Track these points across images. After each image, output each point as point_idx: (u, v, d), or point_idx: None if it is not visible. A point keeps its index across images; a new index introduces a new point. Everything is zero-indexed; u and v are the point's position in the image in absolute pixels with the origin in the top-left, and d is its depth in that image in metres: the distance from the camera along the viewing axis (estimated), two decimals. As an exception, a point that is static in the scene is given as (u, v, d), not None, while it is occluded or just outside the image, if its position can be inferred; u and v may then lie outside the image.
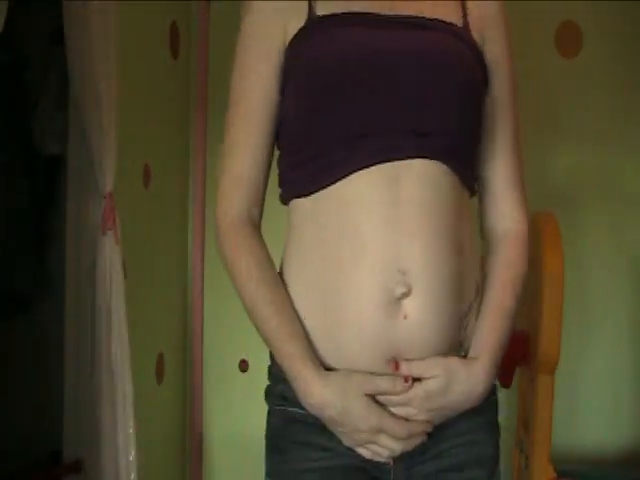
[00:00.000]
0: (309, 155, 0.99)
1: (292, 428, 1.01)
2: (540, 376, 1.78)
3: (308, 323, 0.97)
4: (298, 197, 1.01)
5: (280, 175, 1.06)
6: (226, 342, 2.59)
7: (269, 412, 1.05)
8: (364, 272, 0.93)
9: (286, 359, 0.96)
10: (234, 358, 2.59)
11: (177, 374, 2.62)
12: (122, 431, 1.93)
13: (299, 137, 1.01)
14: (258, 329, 0.99)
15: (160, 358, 2.47)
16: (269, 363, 1.06)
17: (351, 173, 0.95)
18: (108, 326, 1.92)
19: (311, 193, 0.99)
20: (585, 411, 2.39)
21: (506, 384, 1.97)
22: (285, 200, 1.05)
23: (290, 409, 0.99)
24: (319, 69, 0.96)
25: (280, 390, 1.01)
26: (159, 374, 2.46)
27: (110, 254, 1.93)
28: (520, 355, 1.90)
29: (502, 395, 2.33)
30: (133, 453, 1.95)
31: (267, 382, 1.07)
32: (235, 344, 2.55)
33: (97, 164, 1.90)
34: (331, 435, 0.97)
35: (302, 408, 0.97)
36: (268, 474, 1.04)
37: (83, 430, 1.94)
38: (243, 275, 1.00)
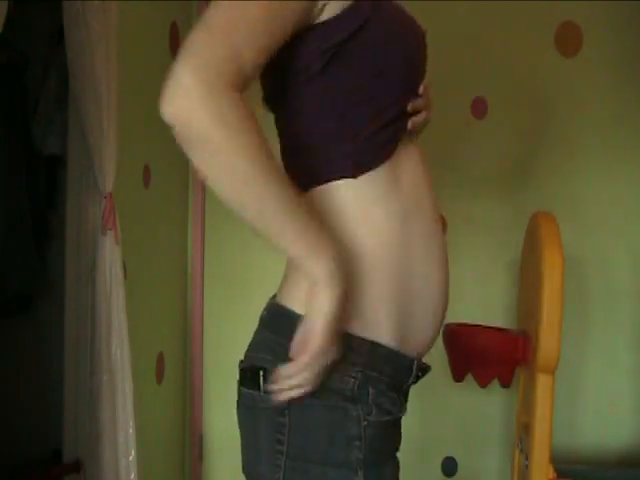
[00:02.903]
0: (382, 123, 0.97)
1: (389, 436, 0.97)
2: (540, 376, 1.78)
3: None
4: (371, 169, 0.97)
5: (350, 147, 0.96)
6: (226, 342, 2.59)
7: (366, 424, 0.93)
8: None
9: (311, 233, 0.86)
10: (234, 358, 2.58)
11: (177, 374, 2.62)
12: (122, 431, 1.93)
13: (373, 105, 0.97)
14: (266, 201, 0.84)
15: (160, 358, 2.47)
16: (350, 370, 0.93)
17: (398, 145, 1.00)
18: (108, 326, 1.92)
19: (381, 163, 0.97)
20: (585, 411, 2.39)
21: (506, 384, 1.97)
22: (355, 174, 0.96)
23: (385, 418, 0.95)
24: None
25: (371, 395, 0.93)
26: (159, 374, 2.46)
27: (110, 254, 1.93)
28: (520, 355, 1.90)
29: (502, 395, 2.34)
30: (133, 453, 1.95)
31: (339, 384, 0.92)
32: (235, 344, 2.54)
33: (97, 164, 1.90)
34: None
35: (393, 413, 0.96)
36: None
37: (83, 430, 1.94)
38: (255, 139, 0.83)
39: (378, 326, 0.95)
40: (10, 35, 1.72)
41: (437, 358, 2.15)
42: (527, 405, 1.91)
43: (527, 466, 1.84)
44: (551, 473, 1.77)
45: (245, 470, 1.00)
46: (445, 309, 1.04)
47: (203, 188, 2.66)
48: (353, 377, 0.92)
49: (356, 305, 0.93)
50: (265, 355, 0.97)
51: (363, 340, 0.93)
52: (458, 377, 2.01)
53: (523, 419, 1.97)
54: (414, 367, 1.00)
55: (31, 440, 2.35)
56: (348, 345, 0.92)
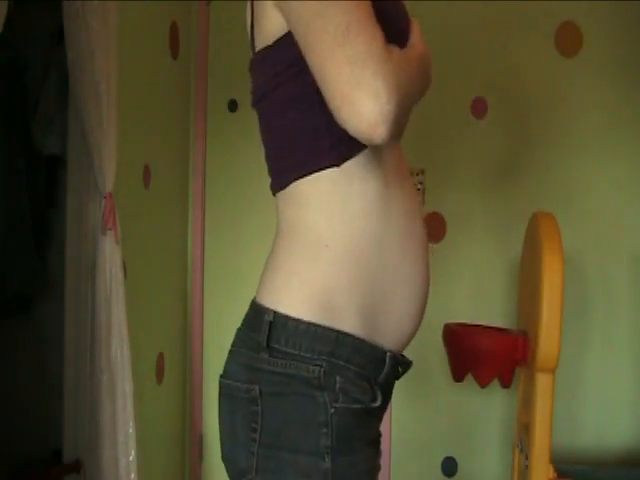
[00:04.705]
0: None
1: (362, 425, 0.98)
2: (540, 376, 1.78)
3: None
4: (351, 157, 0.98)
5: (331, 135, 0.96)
6: (226, 342, 2.59)
7: (333, 411, 0.95)
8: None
9: None
10: (234, 358, 2.59)
11: (177, 374, 2.62)
12: (122, 431, 1.94)
13: None
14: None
15: (160, 358, 2.47)
16: (312, 355, 0.95)
17: None
18: (108, 326, 1.93)
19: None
20: (585, 411, 2.39)
21: (506, 384, 1.97)
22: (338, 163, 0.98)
23: (354, 406, 0.96)
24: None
25: (339, 383, 0.95)
26: (159, 374, 2.46)
27: (110, 254, 1.94)
28: (520, 355, 1.90)
29: (502, 395, 2.35)
30: (133, 453, 1.95)
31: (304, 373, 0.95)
32: (235, 344, 2.54)
33: (97, 164, 1.90)
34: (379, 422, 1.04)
35: (364, 402, 0.97)
36: (325, 475, 0.94)
37: (83, 430, 1.94)
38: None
39: (345, 316, 0.97)
40: (10, 35, 1.72)
41: (437, 358, 2.17)
42: (527, 405, 1.91)
43: (527, 466, 1.84)
44: (551, 473, 1.77)
45: (224, 458, 1.03)
46: (424, 304, 1.05)
47: (203, 188, 2.67)
48: (319, 365, 0.94)
49: (323, 294, 0.96)
50: (241, 349, 1.02)
51: (329, 329, 0.95)
52: (458, 377, 2.01)
53: (523, 419, 1.97)
54: (387, 359, 1.01)
55: (31, 440, 2.35)
56: (314, 334, 0.95)
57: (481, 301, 2.45)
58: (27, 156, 2.37)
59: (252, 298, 1.04)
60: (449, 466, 2.48)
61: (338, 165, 0.97)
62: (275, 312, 0.96)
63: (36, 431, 2.36)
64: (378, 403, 1.00)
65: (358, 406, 0.97)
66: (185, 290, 2.68)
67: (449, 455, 2.48)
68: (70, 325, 1.98)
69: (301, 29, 0.90)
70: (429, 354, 2.26)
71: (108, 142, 1.90)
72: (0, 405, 2.30)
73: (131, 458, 1.95)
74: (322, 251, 0.97)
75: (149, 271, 2.38)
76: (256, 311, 1.00)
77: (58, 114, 2.25)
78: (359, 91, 0.83)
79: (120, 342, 1.95)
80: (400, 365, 1.05)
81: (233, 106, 2.62)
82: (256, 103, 1.05)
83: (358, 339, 0.97)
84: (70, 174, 2.01)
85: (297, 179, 0.99)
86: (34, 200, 2.40)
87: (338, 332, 0.95)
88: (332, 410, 0.94)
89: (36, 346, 2.46)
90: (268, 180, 1.06)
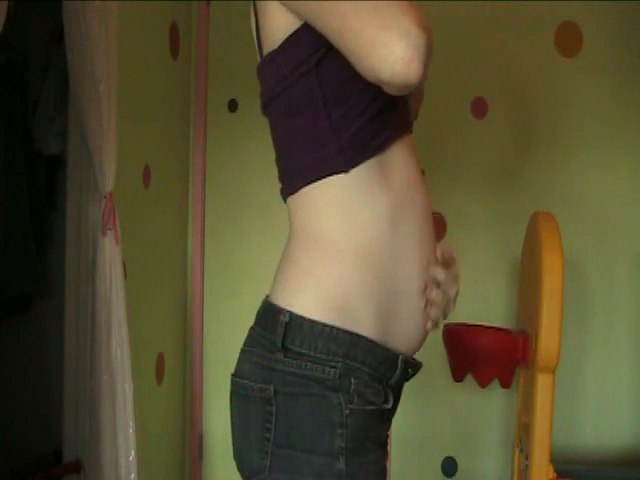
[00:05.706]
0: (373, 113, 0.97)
1: (375, 426, 0.99)
2: (540, 376, 1.78)
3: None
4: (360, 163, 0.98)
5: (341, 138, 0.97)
6: (226, 342, 2.59)
7: (348, 413, 0.95)
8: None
9: None
10: (234, 358, 2.58)
11: (177, 374, 2.62)
12: (122, 431, 1.93)
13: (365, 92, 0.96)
14: None
15: (160, 358, 2.47)
16: (325, 357, 0.95)
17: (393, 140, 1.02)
18: (108, 326, 1.92)
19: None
20: (585, 411, 2.39)
21: (506, 384, 1.97)
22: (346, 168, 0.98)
23: (368, 407, 0.97)
24: None
25: (354, 385, 0.96)
26: (159, 374, 2.46)
27: (110, 254, 1.94)
28: (520, 355, 1.90)
29: (502, 395, 2.34)
30: (133, 453, 1.95)
31: (318, 374, 0.96)
32: (235, 344, 2.54)
33: (97, 164, 1.90)
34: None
35: (377, 404, 0.98)
36: (339, 475, 0.95)
37: (83, 430, 1.94)
38: None
39: (360, 319, 0.97)
40: (10, 35, 1.72)
41: (437, 358, 2.17)
42: (527, 405, 1.91)
43: (527, 466, 1.84)
44: (551, 473, 1.77)
45: (236, 456, 1.03)
46: None
47: (203, 188, 2.67)
48: (334, 367, 0.95)
49: (339, 296, 0.97)
50: (254, 348, 1.02)
51: (344, 331, 0.96)
52: (458, 377, 2.01)
53: (523, 419, 1.97)
54: (399, 362, 1.02)
55: (31, 440, 2.35)
56: (329, 336, 0.95)
57: (481, 301, 2.44)
58: (27, 156, 2.37)
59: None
60: (449, 466, 2.48)
61: (346, 171, 0.97)
62: (291, 313, 0.96)
63: (36, 431, 2.36)
64: (390, 405, 1.01)
65: (372, 408, 0.97)
66: (185, 290, 2.68)
67: (449, 455, 2.47)
68: (70, 325, 1.98)
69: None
70: (429, 354, 2.25)
71: (108, 142, 1.90)
72: (0, 405, 2.30)
73: (131, 458, 1.95)
74: (335, 254, 0.97)
75: (149, 271, 2.38)
76: (271, 311, 1.00)
77: (58, 114, 2.25)
78: (389, 31, 0.84)
79: (120, 342, 1.94)
80: (410, 367, 1.05)
81: (233, 106, 2.62)
82: (265, 108, 1.05)
83: (372, 341, 0.98)
84: (70, 174, 2.01)
85: (306, 184, 0.99)
86: (34, 200, 2.40)
87: (352, 334, 0.96)
88: (347, 411, 0.94)
89: (36, 346, 2.46)
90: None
